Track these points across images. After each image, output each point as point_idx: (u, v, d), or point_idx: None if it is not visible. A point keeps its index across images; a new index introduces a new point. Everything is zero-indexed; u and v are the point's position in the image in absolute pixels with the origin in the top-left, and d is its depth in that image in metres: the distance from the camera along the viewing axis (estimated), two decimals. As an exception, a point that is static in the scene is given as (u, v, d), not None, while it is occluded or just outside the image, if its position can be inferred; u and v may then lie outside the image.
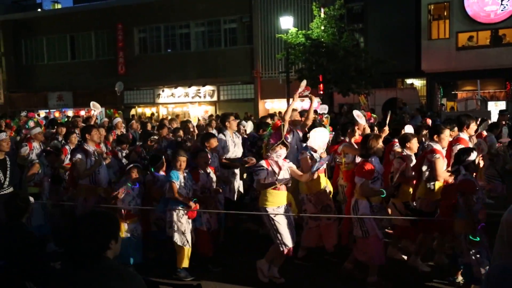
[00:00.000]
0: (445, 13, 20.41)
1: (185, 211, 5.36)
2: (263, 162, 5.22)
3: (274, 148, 5.19)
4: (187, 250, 5.38)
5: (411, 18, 20.93)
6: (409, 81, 22.86)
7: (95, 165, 6.01)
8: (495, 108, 18.37)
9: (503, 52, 19.26)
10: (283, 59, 19.27)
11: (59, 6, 31.38)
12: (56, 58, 27.58)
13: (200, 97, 24.40)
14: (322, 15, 18.24)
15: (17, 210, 3.74)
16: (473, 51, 19.93)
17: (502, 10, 19.23)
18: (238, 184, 6.97)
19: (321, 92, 18.60)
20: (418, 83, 22.47)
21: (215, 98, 24.16)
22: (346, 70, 17.30)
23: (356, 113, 6.79)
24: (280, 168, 5.15)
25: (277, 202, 5.15)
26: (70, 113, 26.01)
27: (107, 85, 24.53)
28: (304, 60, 18.07)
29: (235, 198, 6.89)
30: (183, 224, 5.34)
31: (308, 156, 5.68)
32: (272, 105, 22.91)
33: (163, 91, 25.08)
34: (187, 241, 5.36)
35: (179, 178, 5.39)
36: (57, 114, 23.80)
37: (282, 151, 5.18)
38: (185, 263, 5.40)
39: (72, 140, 7.73)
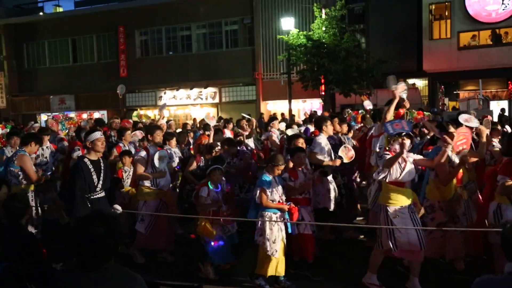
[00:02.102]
0: (446, 13, 20.39)
1: (283, 218, 5.03)
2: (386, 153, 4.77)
3: (397, 140, 4.64)
4: (275, 260, 4.99)
5: (412, 18, 20.90)
6: (410, 81, 22.79)
7: (159, 175, 5.83)
8: (497, 107, 18.34)
9: (505, 52, 19.21)
10: (284, 60, 19.29)
11: (61, 10, 31.41)
12: (58, 61, 27.67)
13: (202, 99, 24.42)
14: (323, 16, 18.26)
15: (16, 212, 3.71)
16: (474, 50, 19.90)
17: (503, 10, 19.19)
18: (335, 193, 6.28)
19: (323, 93, 18.60)
20: (420, 83, 22.43)
21: (217, 100, 24.17)
22: (347, 70, 17.31)
23: (463, 117, 5.70)
24: (405, 162, 4.65)
25: (401, 201, 4.69)
26: (72, 116, 26.08)
27: (109, 88, 24.58)
28: (306, 61, 18.09)
29: (332, 208, 6.10)
30: (274, 233, 4.99)
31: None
32: (274, 107, 22.92)
33: (165, 93, 25.12)
34: (276, 251, 4.97)
35: (271, 183, 5.03)
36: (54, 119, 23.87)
37: (407, 142, 4.64)
38: (267, 272, 5.00)
39: (127, 138, 7.58)
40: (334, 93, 20.01)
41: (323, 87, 18.35)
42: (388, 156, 4.69)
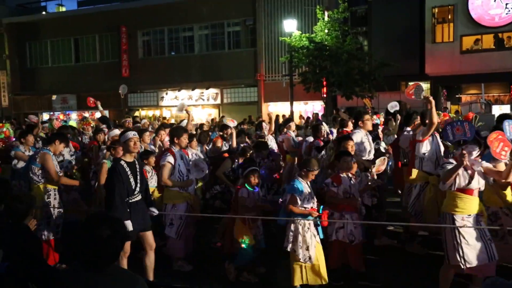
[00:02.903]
0: (449, 17, 20.38)
1: (317, 221, 4.83)
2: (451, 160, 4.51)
3: (460, 148, 4.32)
4: (309, 267, 4.79)
5: (415, 21, 20.89)
6: (412, 84, 22.81)
7: (186, 183, 5.69)
8: (500, 111, 18.30)
9: (507, 56, 19.19)
10: (286, 62, 19.28)
11: (64, 9, 31.49)
12: (60, 61, 27.71)
13: (203, 100, 24.43)
14: (326, 18, 18.26)
15: (18, 212, 3.72)
16: (477, 54, 19.88)
17: (506, 14, 19.17)
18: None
19: (325, 95, 18.59)
20: (422, 86, 22.41)
21: (218, 101, 24.18)
22: (349, 73, 17.30)
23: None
24: (473, 169, 4.43)
25: (468, 210, 4.41)
26: (74, 115, 26.12)
27: (111, 87, 24.61)
28: (308, 63, 18.08)
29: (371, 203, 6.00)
30: (307, 239, 4.78)
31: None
32: (276, 108, 22.90)
33: (166, 93, 25.13)
34: (310, 258, 4.77)
35: (303, 190, 4.84)
36: (61, 117, 23.88)
37: (471, 147, 4.42)
38: (300, 280, 4.83)
39: (145, 139, 7.33)
40: (336, 96, 20.00)
41: (325, 89, 18.34)
42: (449, 166, 4.41)
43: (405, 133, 6.62)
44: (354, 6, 20.34)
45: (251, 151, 6.92)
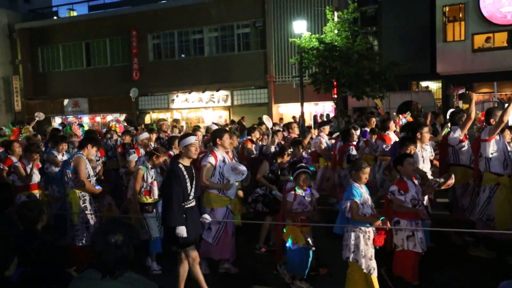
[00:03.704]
0: (461, 15, 20.18)
1: (374, 232, 4.56)
2: None
3: None
4: (373, 279, 4.53)
5: (425, 20, 20.72)
6: (424, 83, 22.62)
7: (226, 186, 5.50)
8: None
9: (520, 54, 18.95)
10: (296, 63, 19.24)
11: (75, 14, 31.81)
12: (72, 65, 27.99)
13: (214, 102, 24.49)
14: (336, 19, 18.18)
15: (28, 219, 3.75)
16: (489, 53, 19.66)
17: (519, 11, 18.94)
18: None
19: (335, 96, 18.51)
20: (434, 85, 22.22)
21: (229, 103, 24.22)
22: (360, 73, 17.18)
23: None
24: None
25: None
26: (86, 119, 26.37)
27: (122, 91, 24.85)
28: (318, 64, 18.01)
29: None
30: (369, 248, 4.54)
31: None
32: (286, 110, 22.88)
33: (177, 96, 25.24)
34: (374, 269, 4.52)
35: (362, 195, 4.61)
36: (73, 120, 24.11)
37: None
38: None
39: (176, 146, 7.09)
40: (347, 96, 19.91)
41: (335, 90, 18.26)
42: None
43: (453, 132, 6.40)
44: (363, 6, 20.26)
45: (290, 150, 6.73)
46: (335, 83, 17.89)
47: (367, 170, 4.72)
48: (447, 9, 20.34)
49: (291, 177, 5.32)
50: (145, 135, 7.85)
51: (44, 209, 3.92)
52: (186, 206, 4.65)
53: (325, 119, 18.69)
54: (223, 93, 24.17)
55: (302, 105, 18.22)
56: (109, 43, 26.85)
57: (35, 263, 3.44)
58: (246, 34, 23.96)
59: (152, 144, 8.28)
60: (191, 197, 4.72)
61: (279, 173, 6.49)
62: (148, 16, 25.17)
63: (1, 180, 6.75)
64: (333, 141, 9.66)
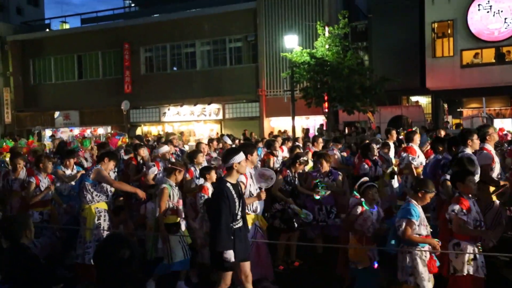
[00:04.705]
0: (449, 31, 20.53)
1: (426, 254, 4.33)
2: None
3: None
4: None
5: (415, 36, 21.05)
6: (414, 98, 22.88)
7: (258, 196, 5.19)
8: (502, 125, 18.30)
9: (508, 70, 19.28)
10: (288, 77, 19.38)
11: (67, 27, 31.85)
12: (63, 77, 27.94)
13: (205, 115, 24.52)
14: (327, 34, 18.39)
15: (12, 234, 3.66)
16: (477, 68, 19.98)
17: (506, 28, 19.31)
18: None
19: (326, 110, 18.64)
20: (423, 100, 22.47)
21: (220, 117, 24.26)
22: (351, 88, 17.35)
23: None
24: None
25: None
26: (76, 131, 26.23)
27: (113, 103, 24.81)
28: (309, 78, 18.16)
29: None
30: (427, 270, 4.32)
31: None
32: (278, 123, 22.97)
33: (168, 109, 25.25)
34: None
35: (419, 215, 4.33)
36: (65, 132, 24.00)
37: None
38: None
39: (199, 160, 7.01)
40: (338, 110, 20.05)
41: (326, 104, 18.39)
42: None
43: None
44: (354, 22, 20.53)
45: (303, 159, 6.56)
46: (326, 97, 18.03)
47: (433, 195, 4.47)
48: (436, 26, 20.69)
49: (355, 192, 5.12)
50: (166, 148, 7.59)
51: (28, 224, 3.81)
52: (234, 227, 4.36)
53: (316, 133, 18.82)
54: (214, 106, 24.22)
55: (293, 119, 18.29)
56: (101, 55, 26.87)
57: (20, 279, 3.38)
58: (238, 48, 24.13)
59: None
60: (238, 217, 4.42)
61: (295, 181, 6.33)
62: (140, 29, 25.27)
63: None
64: (345, 154, 9.63)
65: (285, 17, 22.42)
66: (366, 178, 5.17)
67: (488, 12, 19.49)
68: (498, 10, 19.33)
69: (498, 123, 18.55)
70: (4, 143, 7.43)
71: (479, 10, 19.63)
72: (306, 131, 20.19)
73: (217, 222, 4.25)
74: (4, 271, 3.34)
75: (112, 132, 16.71)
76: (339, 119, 21.05)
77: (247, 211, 5.06)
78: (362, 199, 4.85)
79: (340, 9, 19.65)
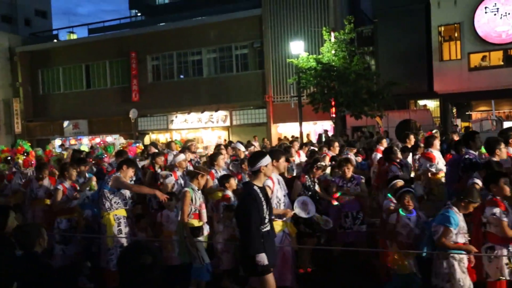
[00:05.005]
0: (456, 34, 20.45)
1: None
2: None
3: None
4: None
5: (421, 39, 20.98)
6: (422, 102, 22.77)
7: (284, 212, 5.12)
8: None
9: (516, 72, 19.13)
10: (294, 83, 19.40)
11: (75, 37, 32.16)
12: (72, 87, 28.21)
13: (213, 122, 24.58)
14: (333, 39, 18.40)
15: (26, 243, 3.70)
16: (485, 71, 19.85)
17: (513, 30, 19.20)
18: None
19: (333, 115, 18.61)
20: (432, 104, 22.36)
21: (227, 123, 24.31)
22: (358, 93, 17.31)
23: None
24: None
25: None
26: (85, 140, 26.39)
27: (121, 112, 24.99)
28: (316, 84, 18.16)
29: None
30: (467, 277, 4.25)
31: None
32: (285, 129, 22.95)
33: (176, 117, 25.35)
34: None
35: (458, 223, 4.23)
36: (72, 142, 24.17)
37: None
38: None
39: (219, 163, 7.01)
40: (345, 115, 20.00)
41: (333, 110, 18.37)
42: None
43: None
44: (360, 27, 20.51)
45: (320, 164, 6.46)
46: (333, 102, 18.01)
47: (476, 205, 4.33)
48: (443, 29, 20.62)
49: (389, 194, 4.99)
50: (182, 156, 7.50)
51: (41, 233, 3.84)
52: (263, 230, 4.31)
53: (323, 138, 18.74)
54: (222, 113, 24.28)
55: (300, 124, 18.28)
56: (109, 65, 27.10)
57: (33, 286, 3.41)
58: (244, 55, 24.20)
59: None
60: (266, 220, 4.36)
61: (315, 187, 6.26)
62: (147, 38, 25.46)
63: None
64: (359, 159, 9.51)
65: (291, 23, 22.47)
66: (401, 182, 5.07)
67: (495, 14, 19.39)
68: (505, 13, 19.22)
69: (508, 125, 18.39)
70: (19, 145, 7.48)
71: (486, 12, 19.54)
72: (319, 136, 19.95)
73: (247, 225, 4.18)
74: (18, 280, 3.36)
75: (127, 140, 16.80)
76: (346, 124, 20.99)
77: (276, 218, 5.01)
78: (395, 205, 4.78)
79: (346, 14, 19.67)
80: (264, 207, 4.29)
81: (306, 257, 6.15)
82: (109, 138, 26.04)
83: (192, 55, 25.19)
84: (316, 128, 22.45)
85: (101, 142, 10.94)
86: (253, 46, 23.70)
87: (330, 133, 19.80)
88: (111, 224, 5.67)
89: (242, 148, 9.49)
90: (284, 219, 5.24)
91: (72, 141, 24.36)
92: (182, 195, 5.53)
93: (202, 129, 25.04)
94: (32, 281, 3.43)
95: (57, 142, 26.54)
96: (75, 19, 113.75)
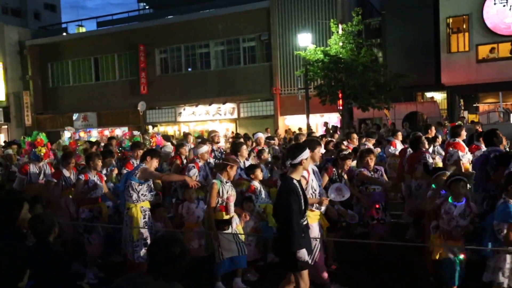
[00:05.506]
0: (464, 26, 20.33)
1: None
2: None
3: None
4: None
5: (429, 31, 20.90)
6: (429, 94, 22.73)
7: (320, 201, 5.02)
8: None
9: (525, 64, 19.03)
10: (301, 75, 19.46)
11: (84, 30, 32.38)
12: (81, 80, 28.47)
13: (220, 114, 24.74)
14: (340, 31, 18.43)
15: (41, 232, 3.76)
16: (493, 63, 19.74)
17: (522, 22, 19.07)
18: None
19: (341, 108, 18.68)
20: (439, 96, 22.31)
21: (235, 116, 24.45)
22: (365, 85, 17.37)
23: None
24: None
25: None
26: (94, 132, 26.69)
27: (130, 105, 25.23)
28: (323, 76, 18.22)
29: None
30: None
31: None
32: (292, 121, 23.06)
33: (184, 109, 25.53)
34: None
35: None
36: (82, 134, 24.46)
37: None
38: None
39: (243, 153, 6.86)
40: (352, 108, 20.06)
41: (340, 102, 18.43)
42: None
43: None
44: (367, 19, 20.49)
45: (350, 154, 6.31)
46: (340, 94, 18.07)
47: None
48: (451, 21, 20.51)
49: (433, 185, 4.96)
50: (205, 148, 7.29)
51: (55, 222, 3.93)
52: (302, 224, 4.24)
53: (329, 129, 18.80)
54: (229, 105, 24.42)
55: (308, 116, 18.38)
56: (117, 58, 27.30)
57: (47, 276, 3.48)
58: (252, 47, 24.28)
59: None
60: (305, 214, 4.32)
61: (342, 180, 6.10)
62: (155, 31, 25.60)
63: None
64: (378, 149, 9.45)
65: (298, 15, 22.49)
66: (446, 174, 4.98)
67: (504, 6, 19.25)
68: (514, 4, 19.09)
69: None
70: (39, 137, 7.39)
71: (495, 4, 19.41)
72: (333, 128, 19.76)
73: (289, 221, 4.06)
74: (31, 269, 3.45)
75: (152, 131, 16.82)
76: (353, 116, 21.05)
77: (314, 209, 4.95)
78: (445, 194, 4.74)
79: (354, 6, 19.66)
80: (302, 200, 4.22)
81: (331, 252, 5.98)
82: (118, 131, 26.40)
83: (200, 47, 25.31)
84: (324, 120, 22.51)
85: (127, 134, 10.85)
86: (260, 39, 23.76)
87: (330, 125, 19.79)
88: (138, 216, 5.61)
89: (263, 137, 9.34)
90: (322, 209, 5.11)
91: (82, 134, 24.63)
92: (210, 187, 5.46)
93: (210, 121, 25.20)
94: (45, 270, 3.49)
95: (67, 134, 26.92)
96: (83, 12, 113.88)
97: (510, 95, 20.78)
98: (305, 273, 4.25)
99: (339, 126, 19.70)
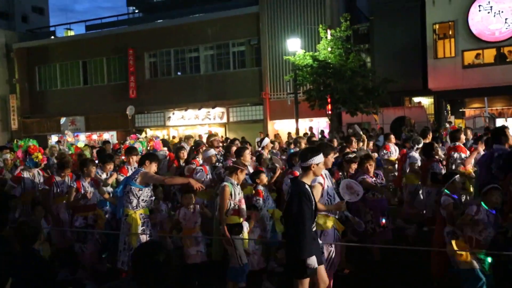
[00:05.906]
0: (450, 32, 20.68)
1: None
2: None
3: None
4: None
5: (416, 37, 21.21)
6: (416, 99, 23.02)
7: (337, 207, 4.88)
8: (506, 124, 18.39)
9: (509, 70, 19.38)
10: (291, 80, 19.58)
11: (72, 33, 32.19)
12: (69, 83, 28.25)
13: (210, 119, 24.74)
14: (329, 36, 18.60)
15: (26, 238, 3.69)
16: (479, 69, 20.10)
17: (506, 29, 19.45)
18: None
19: (329, 112, 18.82)
20: (426, 101, 22.61)
21: (224, 120, 24.48)
22: (353, 90, 17.53)
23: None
24: None
25: None
26: (82, 137, 26.51)
27: (118, 109, 25.10)
28: (312, 81, 18.35)
29: None
30: None
31: None
32: (281, 126, 23.15)
33: (173, 113, 25.49)
34: None
35: None
36: (69, 139, 24.25)
37: None
38: None
39: (246, 158, 6.69)
40: (341, 112, 20.22)
41: (329, 106, 18.57)
42: None
43: None
44: (356, 24, 20.71)
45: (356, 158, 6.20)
46: (329, 99, 18.21)
47: None
48: (437, 27, 20.85)
49: (446, 190, 4.93)
50: (212, 152, 7.29)
51: (41, 228, 3.89)
52: (313, 230, 4.15)
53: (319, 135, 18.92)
54: (219, 110, 24.44)
55: (297, 121, 18.50)
56: (106, 61, 27.17)
57: (31, 284, 3.43)
58: (241, 52, 24.36)
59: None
60: (315, 220, 4.21)
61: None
62: (144, 35, 25.56)
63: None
64: (375, 155, 9.38)
65: (288, 20, 22.65)
66: (460, 178, 4.88)
67: (488, 12, 19.63)
68: (499, 11, 19.47)
69: (501, 122, 18.68)
70: (31, 144, 7.23)
71: (479, 11, 19.79)
72: (322, 132, 19.89)
73: (301, 227, 3.93)
74: (14, 276, 3.31)
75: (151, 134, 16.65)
76: (342, 121, 21.21)
77: (328, 214, 4.84)
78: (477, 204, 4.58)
79: (342, 12, 19.88)
80: (313, 206, 4.08)
81: (343, 256, 5.95)
82: (106, 135, 26.24)
83: (190, 52, 25.32)
84: (313, 125, 22.64)
85: (133, 137, 10.64)
86: (250, 44, 23.86)
87: (326, 130, 19.96)
88: (137, 223, 5.46)
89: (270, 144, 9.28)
90: (340, 213, 5.00)
91: (69, 138, 24.44)
92: (221, 189, 5.28)
93: (199, 125, 25.19)
94: (29, 278, 3.43)
95: (54, 138, 26.67)
96: (72, 15, 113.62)
97: (495, 100, 21.15)
98: (307, 281, 4.14)
99: (328, 130, 19.85)
